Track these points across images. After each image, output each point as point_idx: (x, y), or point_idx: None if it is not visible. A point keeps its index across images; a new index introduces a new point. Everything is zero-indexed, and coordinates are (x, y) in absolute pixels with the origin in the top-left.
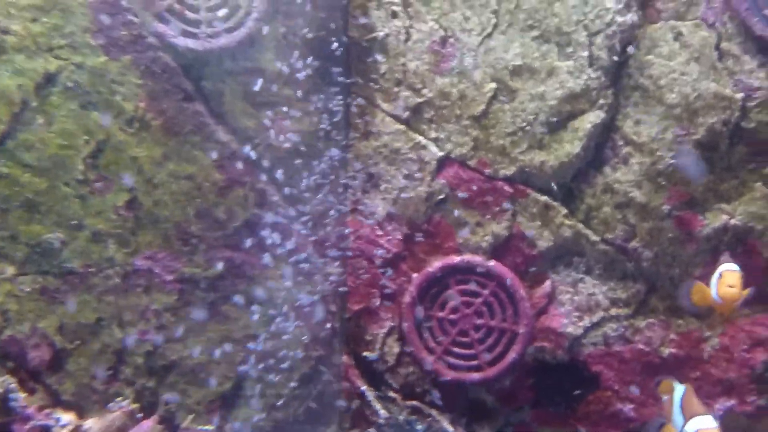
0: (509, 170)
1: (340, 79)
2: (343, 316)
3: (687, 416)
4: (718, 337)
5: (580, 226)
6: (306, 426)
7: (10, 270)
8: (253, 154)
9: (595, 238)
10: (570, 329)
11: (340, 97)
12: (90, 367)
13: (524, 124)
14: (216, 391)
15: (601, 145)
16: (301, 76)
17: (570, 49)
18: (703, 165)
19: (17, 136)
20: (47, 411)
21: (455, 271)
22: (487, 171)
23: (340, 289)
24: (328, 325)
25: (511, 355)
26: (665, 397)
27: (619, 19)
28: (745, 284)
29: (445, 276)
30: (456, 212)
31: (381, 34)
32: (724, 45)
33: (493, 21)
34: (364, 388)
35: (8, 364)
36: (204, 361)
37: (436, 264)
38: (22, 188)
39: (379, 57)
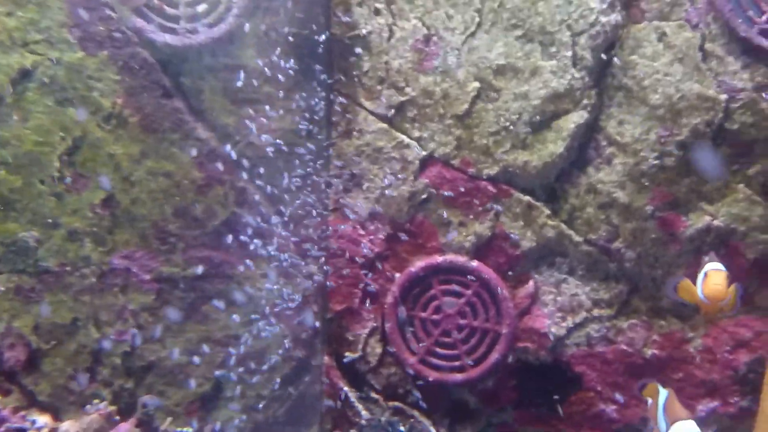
0: (492, 170)
1: (323, 76)
2: (325, 316)
3: (670, 421)
4: (701, 338)
5: (564, 226)
6: (287, 427)
7: None
8: (233, 152)
9: (578, 238)
10: (553, 330)
11: (322, 95)
12: (66, 368)
13: (508, 123)
14: (195, 392)
15: (585, 146)
16: (282, 73)
17: (554, 49)
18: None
19: None
20: (22, 413)
21: (438, 271)
22: (471, 170)
23: (322, 288)
24: (310, 326)
25: (494, 356)
26: (650, 401)
27: (603, 19)
28: (730, 284)
29: (427, 276)
30: (439, 212)
31: (364, 31)
32: (708, 46)
33: (477, 20)
34: (346, 388)
35: None
36: (183, 362)
37: (418, 264)
38: None
39: (362, 55)
